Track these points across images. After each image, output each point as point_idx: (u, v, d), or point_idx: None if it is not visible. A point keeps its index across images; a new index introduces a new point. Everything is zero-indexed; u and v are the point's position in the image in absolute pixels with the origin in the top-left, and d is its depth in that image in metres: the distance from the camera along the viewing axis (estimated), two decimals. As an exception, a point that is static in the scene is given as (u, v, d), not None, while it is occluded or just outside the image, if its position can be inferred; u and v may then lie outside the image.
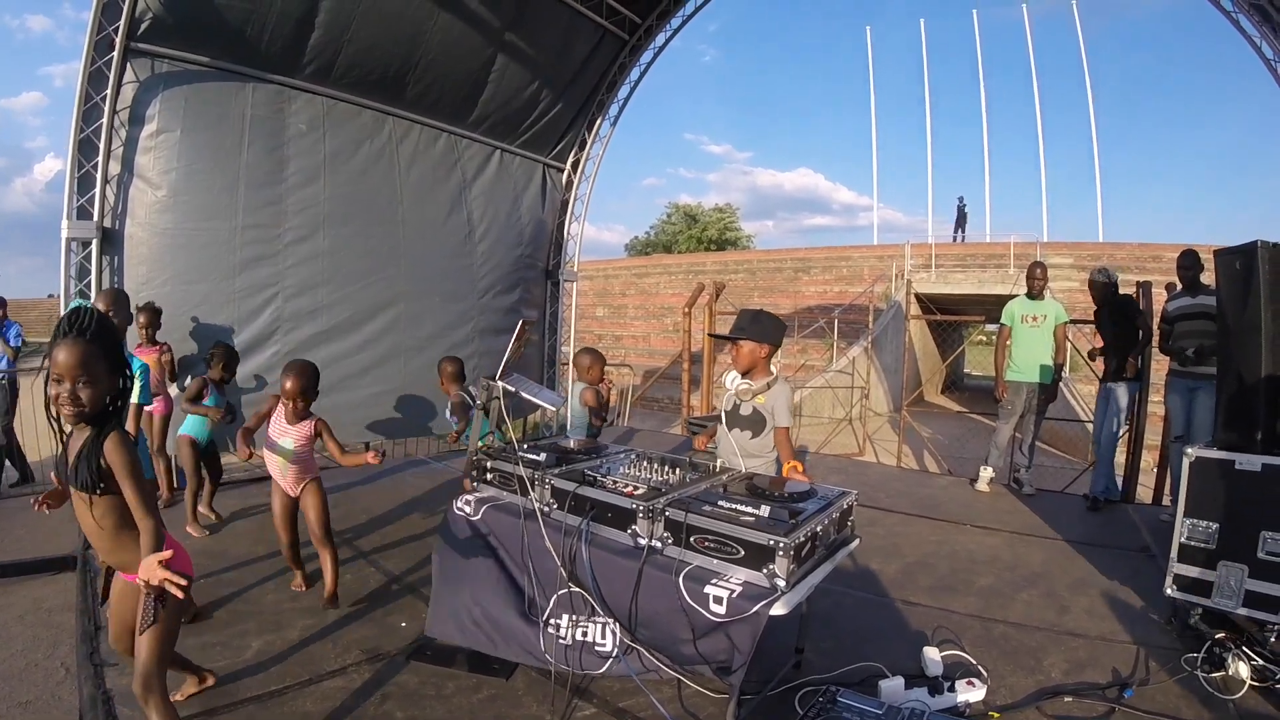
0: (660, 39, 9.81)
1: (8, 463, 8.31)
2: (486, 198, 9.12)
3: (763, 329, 3.84)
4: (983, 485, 7.52)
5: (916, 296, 20.13)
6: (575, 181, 10.43)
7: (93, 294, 5.99)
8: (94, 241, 6.04)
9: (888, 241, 31.70)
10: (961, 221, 32.01)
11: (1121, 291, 7.24)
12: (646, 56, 9.91)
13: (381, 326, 7.98)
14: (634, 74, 9.95)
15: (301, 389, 4.13)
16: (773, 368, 3.95)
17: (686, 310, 10.78)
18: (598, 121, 10.16)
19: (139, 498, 2.23)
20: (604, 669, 3.15)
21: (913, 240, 24.59)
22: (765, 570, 2.61)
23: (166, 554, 2.16)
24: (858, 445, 13.51)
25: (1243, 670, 3.44)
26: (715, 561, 2.77)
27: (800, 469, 3.59)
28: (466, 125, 8.76)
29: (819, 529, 2.87)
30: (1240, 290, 4.05)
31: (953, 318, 13.61)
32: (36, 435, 8.48)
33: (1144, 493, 8.11)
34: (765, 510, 2.78)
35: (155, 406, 5.83)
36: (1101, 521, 6.46)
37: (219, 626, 3.84)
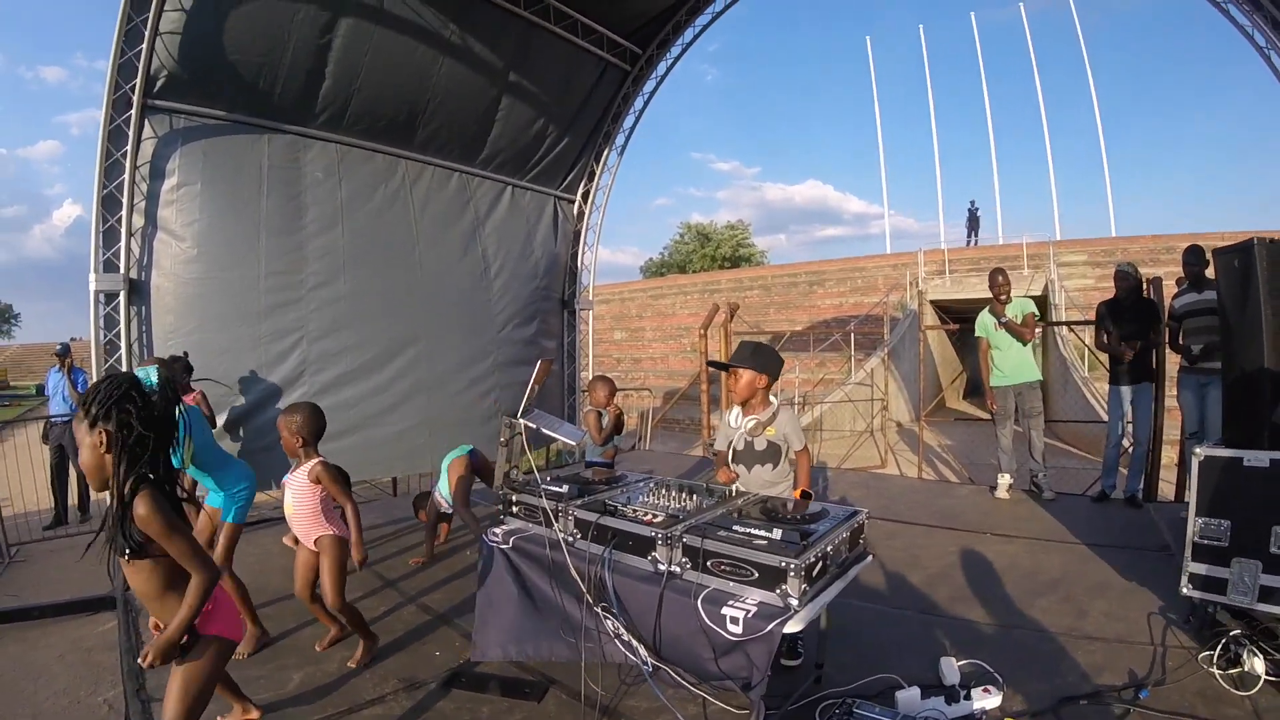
0: (661, 67, 10.02)
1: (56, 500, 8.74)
2: (500, 233, 9.34)
3: (763, 360, 3.96)
4: (1002, 492, 7.56)
5: (932, 303, 20.25)
6: (586, 212, 10.64)
7: (122, 344, 6.21)
8: (121, 293, 6.25)
9: (901, 249, 31.72)
10: (974, 225, 32.04)
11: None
12: (649, 85, 10.12)
13: (404, 364, 8.18)
14: (638, 103, 10.18)
15: (291, 432, 4.01)
16: (772, 398, 4.06)
17: (702, 332, 10.92)
18: (605, 152, 10.38)
19: (185, 551, 2.33)
20: (646, 670, 3.26)
21: (925, 247, 24.67)
22: (778, 590, 2.76)
23: (178, 637, 2.31)
24: (879, 458, 13.57)
25: (1259, 666, 3.47)
26: (731, 584, 2.91)
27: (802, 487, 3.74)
28: (477, 164, 9.00)
29: (829, 549, 3.00)
30: (1240, 288, 4.14)
31: (963, 327, 13.70)
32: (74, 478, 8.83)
33: (1166, 488, 8.10)
34: (778, 533, 2.92)
35: None
36: (1122, 522, 6.47)
37: (261, 661, 4.03)
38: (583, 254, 10.78)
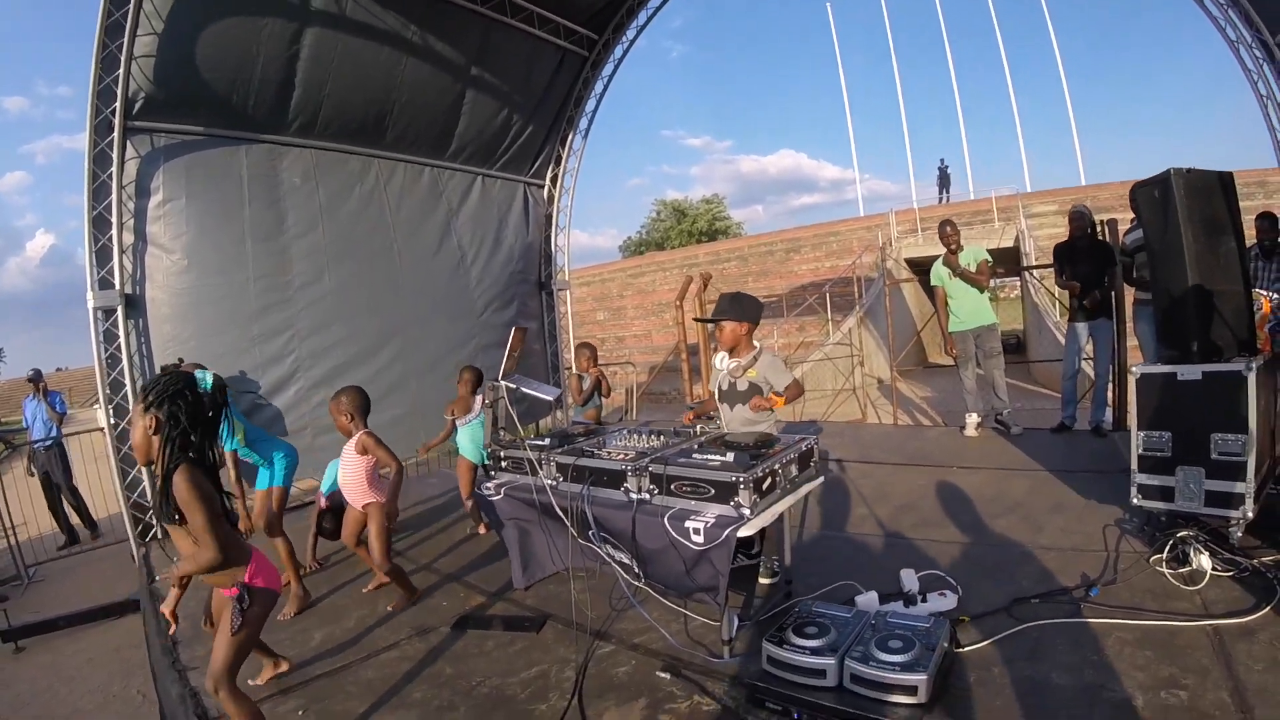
0: (619, 50, 10.28)
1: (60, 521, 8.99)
2: (474, 222, 9.66)
3: (741, 309, 4.30)
4: (970, 430, 7.87)
5: (907, 261, 20.61)
6: (556, 195, 10.92)
7: (124, 356, 6.49)
8: (118, 308, 6.50)
9: (875, 211, 32.03)
10: (945, 183, 32.49)
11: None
12: (608, 69, 10.37)
13: (392, 354, 8.51)
14: (598, 87, 10.44)
15: (341, 412, 4.56)
16: (755, 343, 4.39)
17: (678, 303, 11.26)
18: (569, 136, 10.65)
19: (202, 525, 2.63)
20: (635, 586, 3.72)
21: (897, 208, 25.03)
22: (732, 503, 3.17)
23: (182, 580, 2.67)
24: (860, 412, 13.97)
25: (1205, 562, 3.72)
26: (693, 502, 3.34)
27: (778, 401, 4.08)
28: (446, 158, 9.29)
29: (778, 467, 3.41)
30: (1160, 216, 4.38)
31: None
32: (89, 492, 9.11)
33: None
34: (730, 456, 3.33)
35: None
36: (1085, 450, 6.77)
37: (285, 624, 4.40)
38: (555, 236, 11.06)
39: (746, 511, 3.14)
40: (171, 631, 3.72)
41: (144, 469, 6.57)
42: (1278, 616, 3.25)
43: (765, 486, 3.28)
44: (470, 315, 9.60)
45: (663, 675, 3.31)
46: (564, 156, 10.73)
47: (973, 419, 7.91)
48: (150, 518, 6.65)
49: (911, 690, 2.68)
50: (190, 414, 2.64)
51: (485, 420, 4.64)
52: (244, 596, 2.73)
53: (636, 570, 3.65)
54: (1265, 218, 6.35)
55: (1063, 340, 14.58)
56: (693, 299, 11.17)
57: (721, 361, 4.35)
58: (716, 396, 4.47)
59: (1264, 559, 3.74)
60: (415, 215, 9.00)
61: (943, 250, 7.94)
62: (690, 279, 11.58)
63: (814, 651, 2.90)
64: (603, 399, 6.77)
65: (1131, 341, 7.49)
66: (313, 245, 7.90)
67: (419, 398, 8.62)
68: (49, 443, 9.09)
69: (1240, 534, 3.92)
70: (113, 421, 6.50)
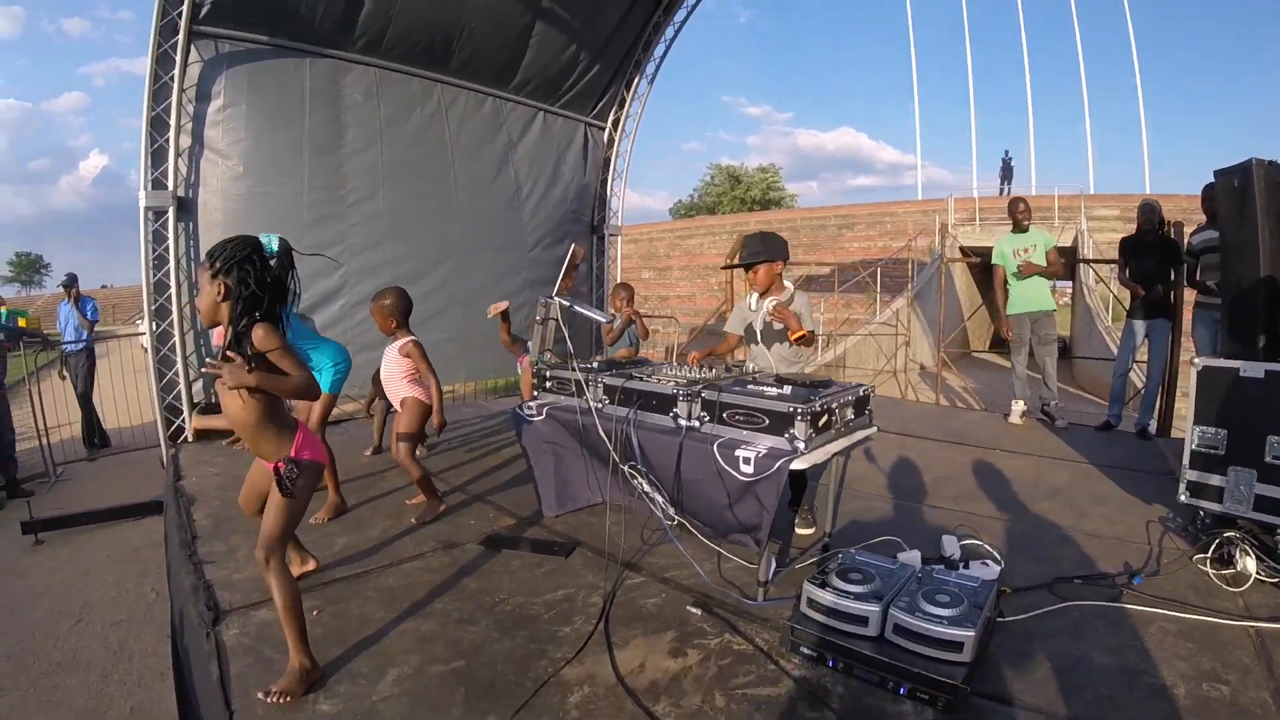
0: (692, -3, 10.03)
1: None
2: (532, 157, 9.55)
3: (774, 248, 4.25)
4: (1015, 418, 7.72)
5: (962, 249, 20.25)
6: (616, 139, 10.76)
7: (171, 257, 6.51)
8: (170, 210, 6.51)
9: (932, 197, 31.45)
10: (1008, 175, 31.80)
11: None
12: (680, 15, 10.12)
13: (439, 278, 8.49)
14: (669, 32, 10.19)
15: (385, 315, 4.61)
16: (786, 283, 4.33)
17: (727, 263, 11.10)
18: (635, 80, 10.45)
19: (296, 363, 2.64)
20: (670, 524, 3.66)
21: (956, 195, 24.55)
22: (787, 434, 3.07)
23: (251, 380, 2.52)
24: (900, 393, 13.79)
25: (1250, 565, 3.62)
26: (745, 432, 3.24)
27: (799, 330, 4.06)
28: (510, 89, 9.16)
29: (835, 406, 3.31)
30: (1237, 207, 4.21)
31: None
32: (115, 405, 9.22)
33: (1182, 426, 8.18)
34: (788, 389, 3.24)
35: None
36: (1130, 450, 6.61)
37: (307, 528, 4.32)
38: (612, 180, 10.93)
39: (801, 445, 3.03)
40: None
41: (180, 371, 6.65)
42: None
43: (821, 424, 3.17)
44: (521, 249, 9.55)
45: (693, 610, 3.24)
46: (628, 100, 10.54)
47: (1018, 406, 7.75)
48: (182, 420, 6.71)
49: (957, 647, 2.56)
50: (258, 278, 2.59)
51: (534, 338, 4.56)
52: (291, 467, 2.69)
53: (672, 507, 3.58)
54: None
55: (1112, 345, 14.39)
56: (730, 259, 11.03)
57: (755, 304, 4.27)
58: (752, 337, 4.39)
59: None
60: (474, 143, 8.91)
61: (1002, 234, 7.72)
62: (743, 238, 11.41)
63: (858, 597, 2.78)
64: (640, 341, 6.68)
65: (1187, 348, 7.25)
66: (369, 163, 7.86)
67: (463, 324, 8.56)
68: (79, 347, 9.16)
69: None
70: (154, 324, 6.56)
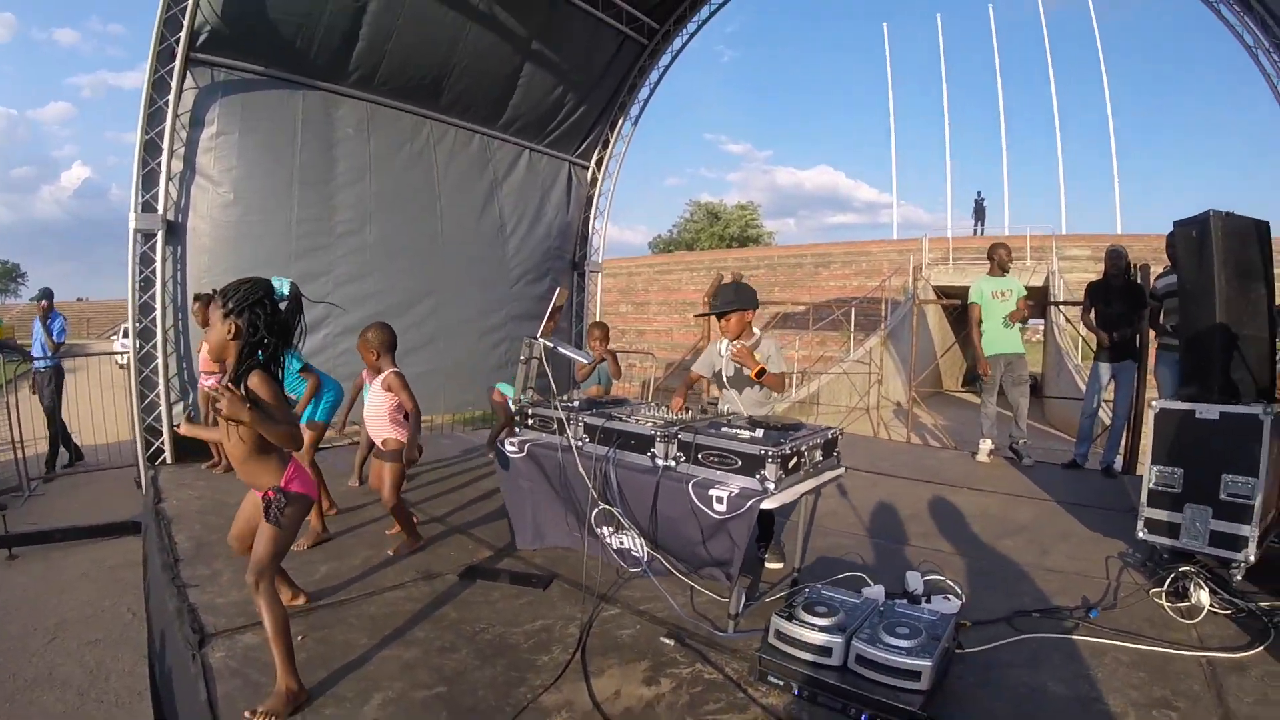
0: (678, 43, 10.33)
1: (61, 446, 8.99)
2: (517, 194, 9.77)
3: (745, 298, 4.40)
4: (983, 456, 7.92)
5: (935, 289, 20.60)
6: (600, 178, 11.00)
7: (157, 280, 6.62)
8: (159, 233, 6.61)
9: (908, 237, 31.95)
10: (980, 215, 32.45)
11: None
12: (665, 60, 10.43)
13: (423, 312, 8.64)
14: (653, 76, 10.49)
15: (369, 349, 4.65)
16: (754, 329, 4.49)
17: (705, 300, 11.31)
18: (619, 121, 10.72)
19: (286, 414, 2.77)
20: (639, 570, 3.84)
21: (930, 235, 24.98)
22: (758, 475, 3.25)
23: (245, 416, 2.61)
24: (873, 431, 14.00)
25: (1204, 598, 3.81)
26: (718, 472, 3.41)
27: (756, 367, 4.15)
28: (497, 127, 9.38)
29: (804, 449, 3.49)
30: (1196, 256, 4.43)
31: (959, 302, 14.16)
32: (91, 420, 9.19)
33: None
34: (760, 432, 3.42)
35: (212, 381, 6.22)
36: (1095, 488, 6.82)
37: (290, 555, 4.35)
38: (594, 218, 11.14)
39: (771, 485, 3.21)
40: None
41: (162, 393, 6.74)
42: (1271, 656, 3.32)
43: (791, 465, 3.35)
44: (504, 284, 9.72)
45: (666, 641, 3.37)
46: (612, 140, 10.80)
47: (986, 445, 7.94)
48: (162, 442, 6.79)
49: (915, 675, 2.72)
50: (268, 323, 2.74)
51: (517, 376, 4.68)
52: (280, 498, 2.81)
53: (648, 542, 3.75)
54: None
55: (1081, 383, 14.68)
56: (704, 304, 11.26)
57: (725, 349, 4.38)
58: (721, 383, 4.53)
59: (1262, 603, 3.79)
60: (461, 180, 9.11)
61: (976, 273, 7.94)
62: (720, 275, 11.65)
63: (823, 629, 2.94)
64: (611, 379, 6.83)
65: (1151, 388, 7.48)
66: (359, 195, 8.03)
67: (446, 358, 8.75)
68: (44, 364, 9.07)
69: (1240, 577, 3.96)
70: (137, 345, 6.64)
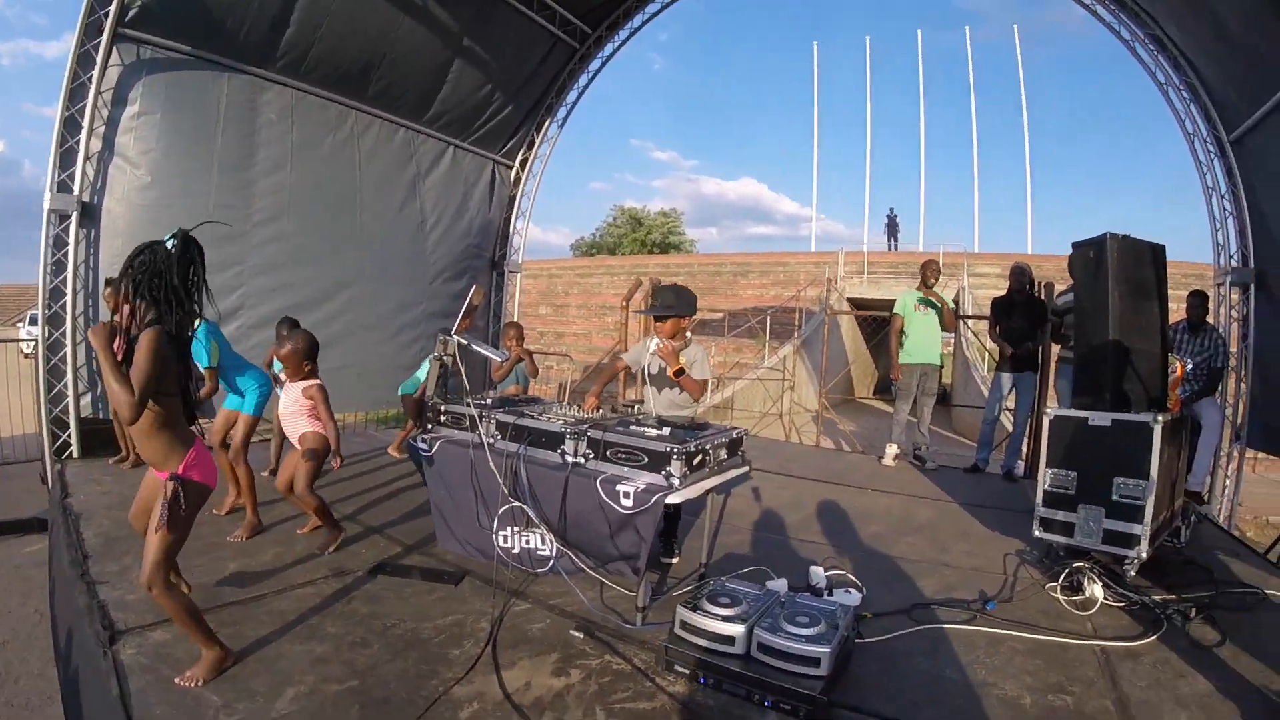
0: (609, 48, 10.40)
1: None
2: (439, 191, 9.68)
3: (685, 304, 4.47)
4: (888, 460, 8.21)
5: (849, 300, 21.14)
6: (523, 179, 10.97)
7: (69, 263, 6.38)
8: (74, 214, 6.37)
9: (825, 249, 32.63)
10: (893, 231, 33.34)
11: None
12: (595, 64, 10.48)
13: (338, 307, 8.48)
14: (582, 80, 10.52)
15: (292, 355, 4.52)
16: (687, 334, 4.58)
17: (624, 304, 11.40)
18: (546, 123, 10.71)
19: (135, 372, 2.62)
20: (547, 569, 3.91)
21: (847, 249, 25.61)
22: (664, 472, 3.36)
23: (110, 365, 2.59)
24: (784, 435, 14.29)
25: (1098, 592, 4.05)
26: (626, 469, 3.51)
27: (677, 366, 4.28)
28: (423, 122, 9.28)
29: (709, 447, 3.62)
30: (1092, 275, 4.74)
31: (870, 313, 14.60)
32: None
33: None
34: (666, 430, 3.53)
35: None
36: (995, 490, 7.15)
37: (200, 551, 4.31)
38: (515, 219, 11.10)
39: (676, 481, 3.32)
40: None
41: (70, 383, 6.51)
42: (1163, 645, 3.57)
43: (696, 462, 3.46)
44: (422, 281, 9.63)
45: (576, 634, 3.44)
46: (538, 141, 10.79)
47: (892, 449, 8.23)
48: (69, 436, 6.55)
49: (814, 662, 2.85)
50: (152, 272, 2.71)
51: (430, 373, 4.65)
52: (176, 491, 2.76)
53: (554, 541, 3.82)
54: (1197, 295, 6.76)
55: (985, 392, 15.23)
56: (639, 304, 11.33)
57: (655, 346, 4.46)
58: (643, 378, 4.62)
59: (1155, 596, 4.06)
60: (383, 173, 8.99)
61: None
62: (640, 281, 11.77)
63: (726, 619, 3.05)
64: (528, 378, 6.86)
65: (1051, 399, 7.84)
66: (278, 184, 7.86)
67: (360, 354, 8.63)
68: None
69: (1134, 573, 4.25)
70: (45, 331, 6.39)
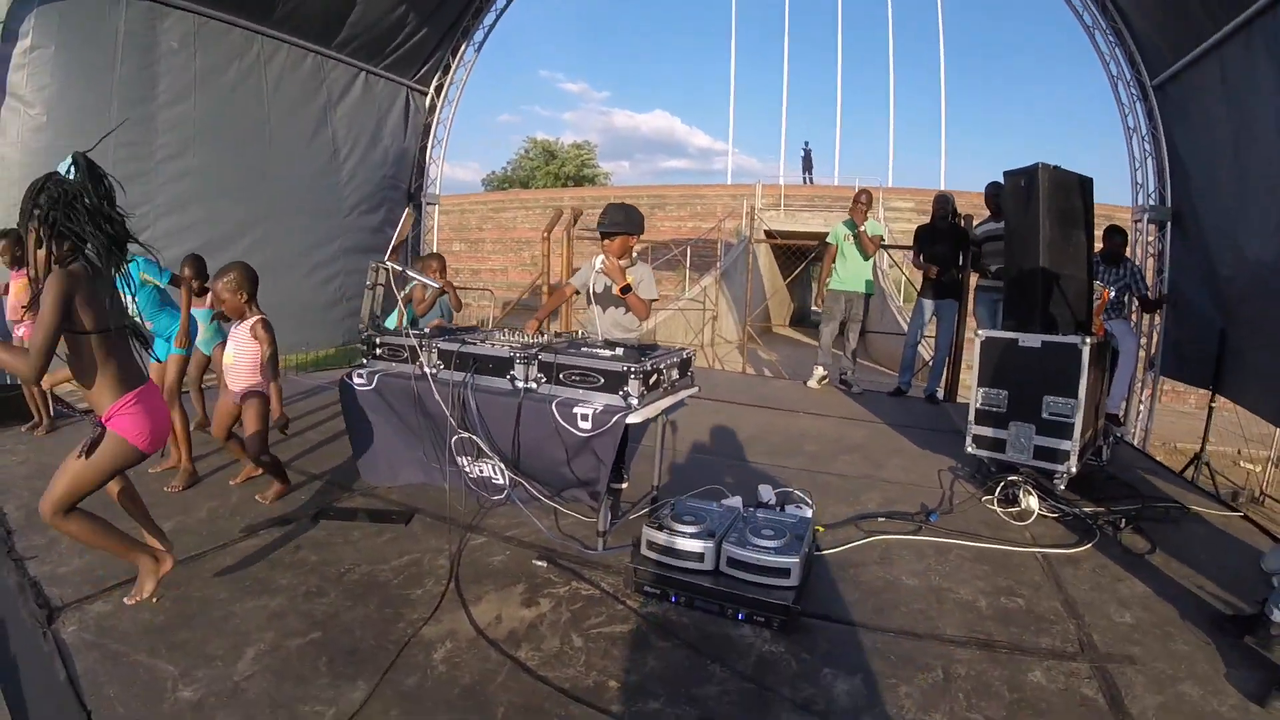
0: (528, -34, 9.95)
1: None
2: (351, 119, 9.20)
3: (633, 221, 4.43)
4: (814, 383, 8.45)
5: (766, 233, 21.32)
6: (439, 106, 10.54)
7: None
8: (-35, 163, 5.81)
9: (741, 183, 32.66)
10: (808, 165, 33.45)
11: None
12: (514, -18, 10.00)
13: (251, 244, 7.93)
14: (500, 2, 10.06)
15: (232, 292, 4.17)
16: (634, 254, 4.54)
17: (545, 235, 11.20)
18: (462, 47, 10.24)
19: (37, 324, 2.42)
20: (501, 498, 3.79)
21: (764, 181, 25.71)
22: (621, 393, 3.32)
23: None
24: (709, 365, 14.44)
25: (1033, 503, 4.31)
26: (581, 391, 3.44)
27: (632, 298, 4.29)
28: (333, 46, 8.74)
29: (663, 367, 3.60)
30: (1022, 202, 4.91)
31: (794, 242, 14.71)
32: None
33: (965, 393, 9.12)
34: (620, 351, 3.50)
35: (24, 331, 5.45)
36: (920, 411, 7.41)
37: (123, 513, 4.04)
38: (431, 148, 10.69)
39: (635, 401, 3.28)
40: None
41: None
42: (1099, 553, 3.84)
43: (652, 382, 3.43)
44: (336, 214, 9.20)
45: (539, 564, 3.41)
46: (453, 66, 10.32)
47: (819, 372, 8.47)
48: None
49: (784, 572, 2.91)
50: (65, 202, 2.46)
51: (365, 302, 4.41)
52: (98, 438, 2.59)
53: (506, 471, 3.71)
54: (1118, 232, 7.06)
55: (902, 321, 15.66)
56: (560, 235, 11.12)
57: (600, 264, 4.40)
58: (588, 298, 4.55)
59: (1086, 508, 4.32)
60: (292, 101, 8.47)
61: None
62: (560, 212, 11.55)
63: (693, 536, 3.07)
64: (452, 312, 6.70)
65: (970, 328, 8.10)
66: (182, 117, 7.33)
67: (277, 294, 7.96)
68: None
69: (1064, 487, 4.50)
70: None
